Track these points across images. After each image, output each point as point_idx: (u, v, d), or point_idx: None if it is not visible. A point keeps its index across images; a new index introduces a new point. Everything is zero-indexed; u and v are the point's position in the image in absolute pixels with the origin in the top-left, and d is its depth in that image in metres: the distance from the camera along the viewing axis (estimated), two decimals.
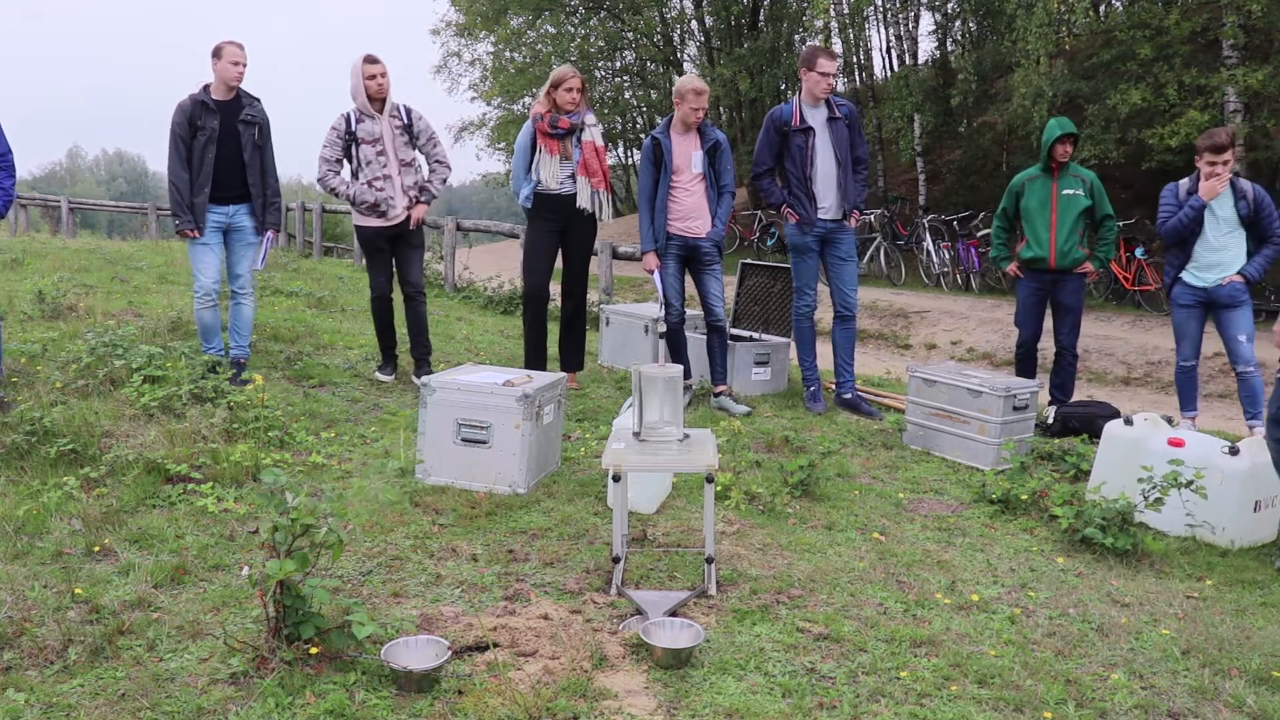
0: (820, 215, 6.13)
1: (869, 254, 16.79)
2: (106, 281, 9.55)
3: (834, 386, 6.71)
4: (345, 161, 6.22)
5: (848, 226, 6.15)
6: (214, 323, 6.03)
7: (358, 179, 6.18)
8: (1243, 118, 13.41)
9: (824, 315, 7.23)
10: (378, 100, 6.10)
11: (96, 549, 3.55)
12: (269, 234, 6.09)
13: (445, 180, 6.40)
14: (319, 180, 6.21)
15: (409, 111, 6.26)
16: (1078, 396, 7.62)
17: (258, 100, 5.98)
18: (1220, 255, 5.68)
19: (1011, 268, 6.50)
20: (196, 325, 6.10)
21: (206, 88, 5.82)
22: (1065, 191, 6.19)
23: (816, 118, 6.04)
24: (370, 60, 6.08)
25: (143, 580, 3.30)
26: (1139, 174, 15.03)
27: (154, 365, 5.57)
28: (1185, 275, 5.81)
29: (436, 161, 6.34)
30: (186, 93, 5.81)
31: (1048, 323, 6.44)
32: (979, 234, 15.31)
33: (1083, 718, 2.71)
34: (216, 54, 5.77)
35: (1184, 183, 5.82)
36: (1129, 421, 4.61)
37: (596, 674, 2.82)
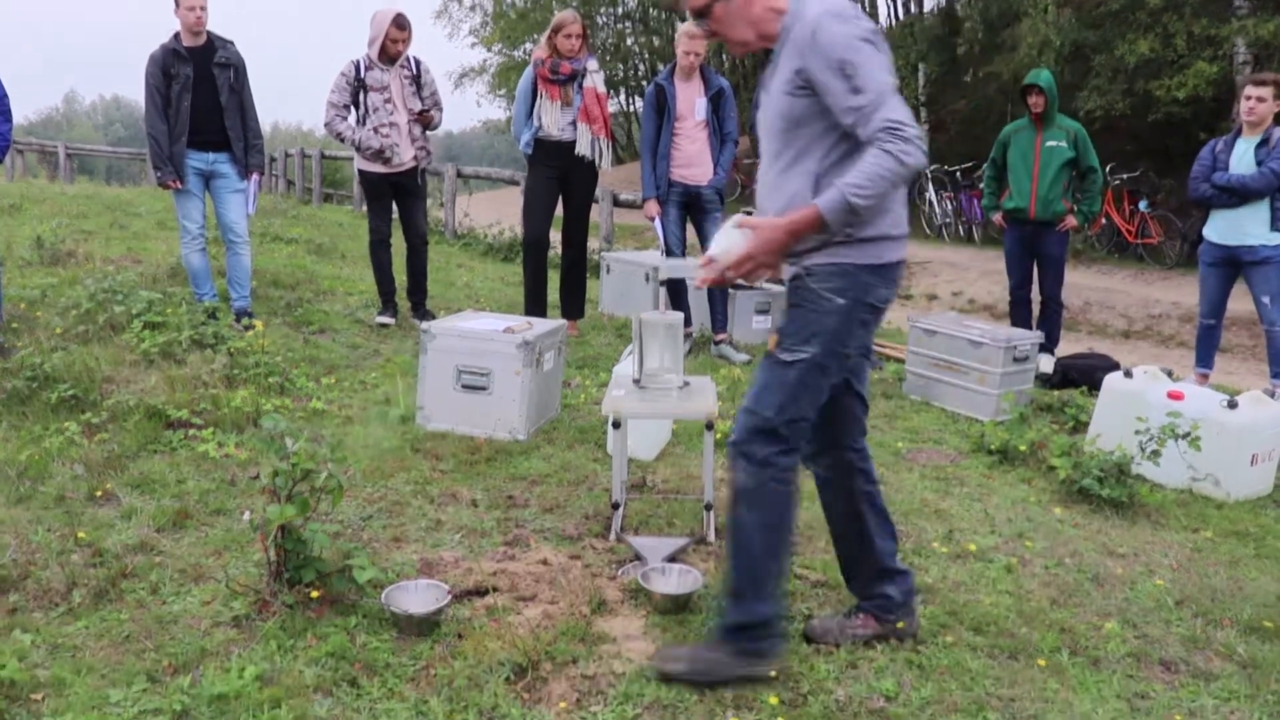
0: None
1: None
2: (105, 227, 9.49)
3: None
4: (352, 108, 6.17)
5: None
6: (204, 266, 6.00)
7: (364, 125, 6.13)
8: (1252, 69, 13.23)
9: None
10: (392, 58, 6.08)
11: (98, 493, 3.56)
12: (254, 177, 6.03)
13: (438, 122, 6.37)
14: (326, 125, 6.16)
15: (418, 63, 6.23)
16: (1078, 348, 7.62)
17: (231, 43, 5.88)
18: (1239, 214, 5.61)
19: (997, 217, 6.50)
20: (186, 270, 6.08)
21: (177, 35, 5.73)
22: (1048, 143, 6.14)
23: None
24: (399, 25, 6.02)
25: (145, 524, 3.31)
26: (1145, 126, 14.86)
27: (154, 311, 5.54)
28: (1207, 232, 5.80)
29: (434, 105, 6.32)
30: (159, 43, 5.74)
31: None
32: (981, 185, 15.19)
33: (1076, 665, 2.74)
34: (176, 1, 5.67)
35: (1221, 141, 5.75)
36: (1128, 374, 4.60)
37: (595, 619, 2.84)
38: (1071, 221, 6.22)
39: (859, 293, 2.41)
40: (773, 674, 2.53)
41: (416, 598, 2.81)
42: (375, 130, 6.09)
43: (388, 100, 6.10)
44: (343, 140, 6.15)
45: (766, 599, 2.49)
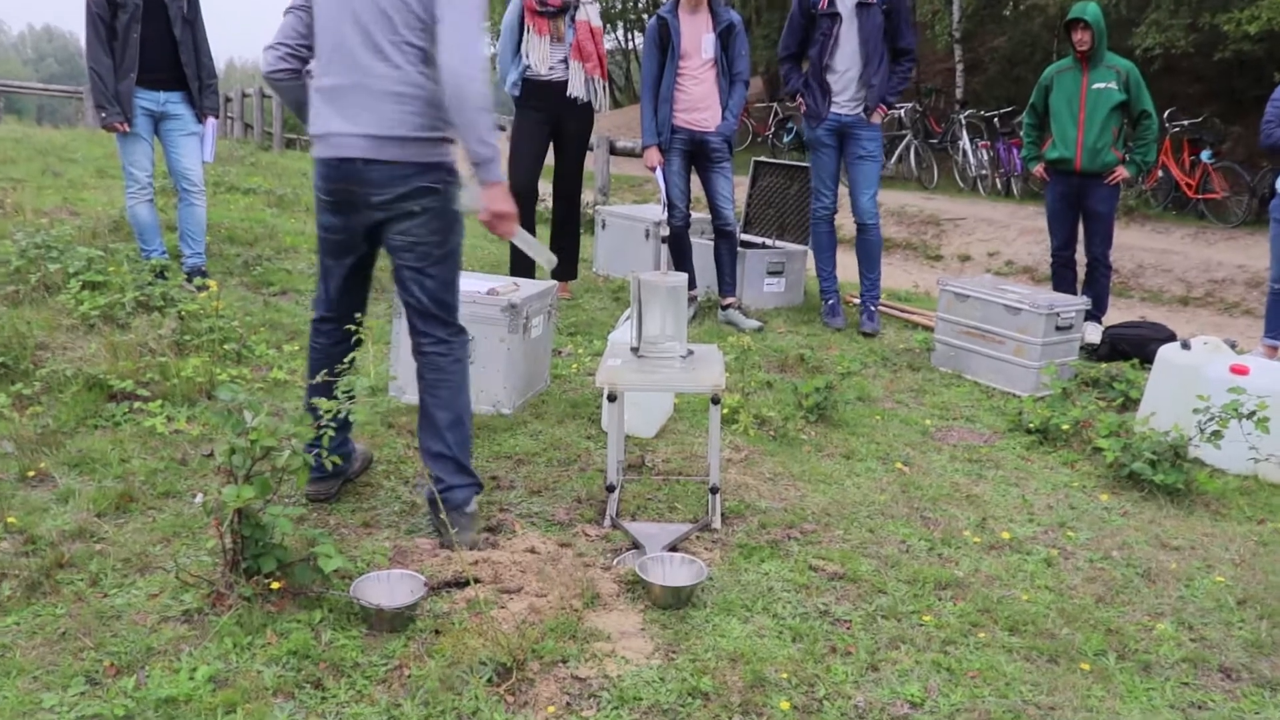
0: (834, 110, 6.04)
1: (897, 153, 16.60)
2: (37, 175, 9.43)
3: (854, 300, 6.69)
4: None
5: (868, 122, 6.05)
6: (151, 220, 5.96)
7: None
8: None
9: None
10: None
11: (31, 474, 3.54)
12: (211, 121, 5.97)
13: None
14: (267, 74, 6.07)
15: None
16: (1129, 316, 7.61)
17: None
18: None
19: (1038, 169, 6.47)
20: (132, 224, 6.04)
21: None
22: (1095, 85, 6.07)
23: (845, 2, 5.90)
24: None
25: (84, 508, 3.30)
26: (1210, 65, 14.75)
27: (94, 270, 5.51)
28: None
29: None
30: None
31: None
32: (1021, 133, 15.10)
33: (1124, 671, 2.74)
34: None
35: None
36: (1186, 345, 4.58)
37: (587, 613, 2.84)
38: (1123, 173, 6.18)
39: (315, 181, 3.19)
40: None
41: (389, 590, 2.80)
42: None
43: None
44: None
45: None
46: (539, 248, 3.33)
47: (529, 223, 6.28)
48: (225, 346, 4.83)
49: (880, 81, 5.97)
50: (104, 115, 5.67)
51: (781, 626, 2.84)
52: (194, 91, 5.85)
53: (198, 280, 5.84)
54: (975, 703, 2.55)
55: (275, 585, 2.77)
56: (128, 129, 5.69)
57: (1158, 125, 6.28)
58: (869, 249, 6.28)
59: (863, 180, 6.17)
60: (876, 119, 6.05)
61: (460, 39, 2.91)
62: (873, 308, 6.32)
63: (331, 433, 2.92)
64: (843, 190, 6.41)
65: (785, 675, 2.59)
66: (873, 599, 3.03)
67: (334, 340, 3.37)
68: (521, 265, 6.28)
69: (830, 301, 6.44)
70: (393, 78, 3.01)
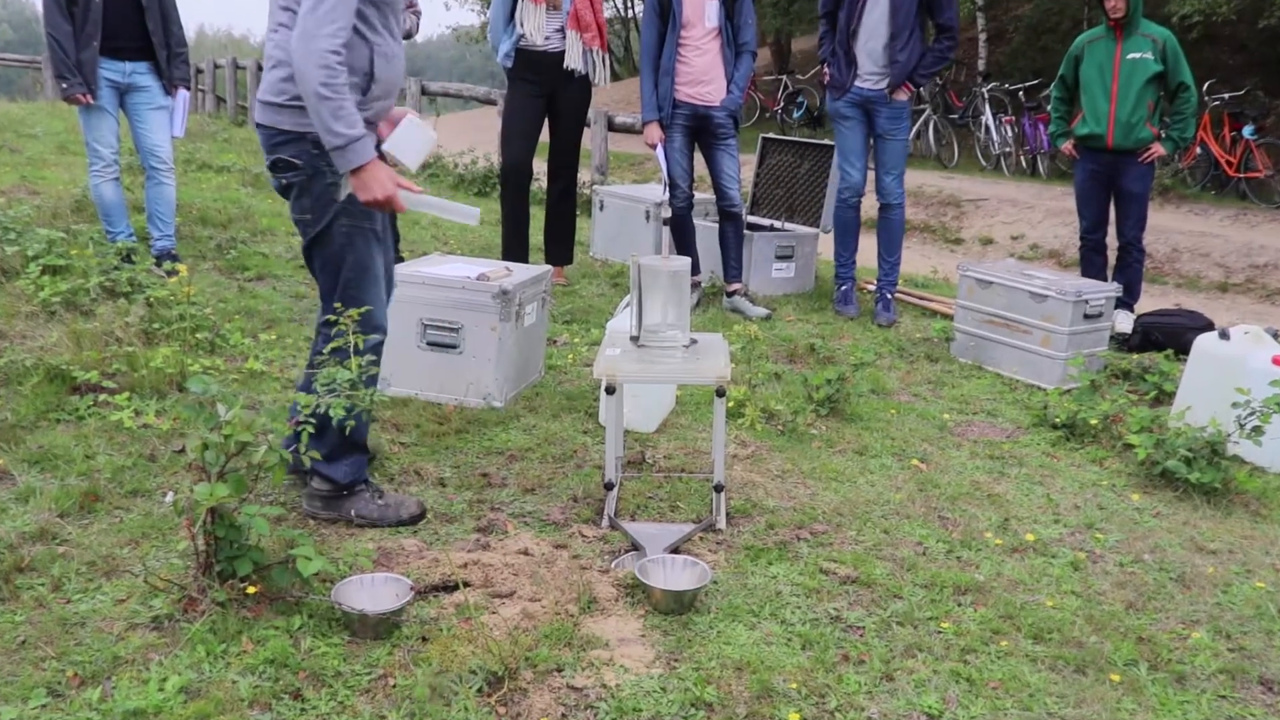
0: (859, 83, 6.05)
1: (915, 129, 16.57)
2: None
3: (868, 286, 6.69)
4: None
5: (892, 99, 6.04)
6: (117, 199, 5.96)
7: None
8: None
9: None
10: None
11: None
12: (181, 93, 5.97)
13: (414, 31, 6.29)
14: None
15: None
16: (1163, 304, 7.61)
17: None
18: None
19: (1067, 146, 6.45)
20: (96, 205, 6.03)
21: None
22: (1130, 55, 6.05)
23: None
24: None
25: (46, 508, 3.30)
26: (1254, 34, 14.70)
27: (55, 253, 5.51)
28: None
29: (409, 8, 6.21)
30: None
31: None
32: (1048, 108, 15.07)
33: (1157, 682, 2.75)
34: None
35: None
36: (1225, 335, 4.59)
37: (584, 619, 2.85)
38: (1158, 150, 6.16)
39: None
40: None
41: (373, 594, 2.81)
42: None
43: None
44: None
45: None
46: (453, 206, 3.30)
47: (522, 203, 6.29)
48: (197, 335, 4.83)
49: (908, 58, 5.95)
50: (65, 86, 5.67)
51: (790, 633, 2.85)
52: (162, 61, 5.84)
53: (167, 264, 5.84)
54: (997, 715, 2.55)
55: (251, 589, 2.78)
56: (91, 101, 5.68)
57: (1197, 98, 6.26)
58: (891, 231, 6.29)
59: (888, 160, 6.18)
60: (901, 97, 6.04)
61: (306, 22, 2.94)
62: (889, 295, 6.32)
63: (311, 428, 2.92)
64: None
65: (794, 685, 2.59)
66: (887, 604, 3.04)
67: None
68: (514, 249, 6.28)
69: (844, 288, 6.44)
70: (273, 42, 3.12)
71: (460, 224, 8.14)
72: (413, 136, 3.34)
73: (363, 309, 3.17)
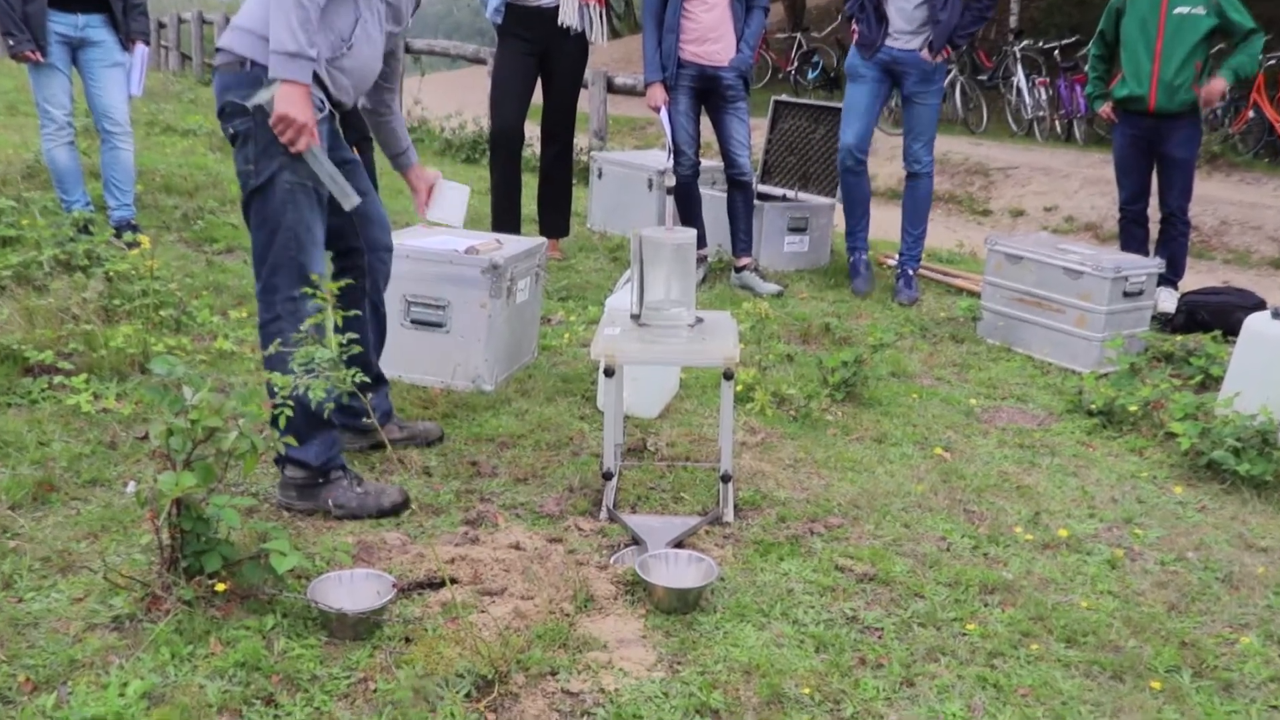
0: (889, 43, 6.02)
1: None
2: None
3: (889, 261, 6.68)
4: None
5: (923, 60, 6.01)
6: (72, 165, 5.95)
7: None
8: None
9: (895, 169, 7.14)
10: None
11: None
12: (140, 48, 5.94)
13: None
14: None
15: None
16: (1210, 281, 7.59)
17: None
18: None
19: (1105, 109, 6.42)
20: (50, 171, 6.02)
21: None
22: (1177, 9, 5.98)
23: None
24: None
25: None
26: None
27: (5, 223, 5.51)
28: None
29: None
30: None
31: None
32: (1086, 68, 15.00)
33: (1201, 691, 2.75)
34: None
35: None
36: (1277, 314, 4.57)
37: (580, 618, 2.85)
38: (1219, 86, 5.96)
39: None
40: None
41: (352, 592, 2.81)
42: None
43: None
44: None
45: None
46: (339, 180, 3.30)
47: (514, 171, 6.28)
48: (161, 313, 4.83)
49: (950, 17, 5.92)
50: (12, 43, 5.64)
51: (803, 635, 2.85)
52: (117, 13, 5.82)
53: (128, 235, 5.83)
54: None
55: (220, 587, 2.77)
56: (41, 59, 5.66)
57: (1263, 43, 6.11)
58: (917, 201, 6.27)
59: (916, 126, 6.15)
60: (934, 58, 6.01)
61: None
62: (912, 271, 6.31)
63: (289, 412, 2.92)
64: (878, 134, 6.39)
65: (807, 690, 2.60)
66: (908, 604, 3.04)
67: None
68: (505, 220, 6.27)
69: (851, 259, 6.43)
70: None
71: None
72: (450, 199, 3.93)
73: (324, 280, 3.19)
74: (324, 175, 3.24)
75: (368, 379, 3.49)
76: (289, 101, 3.08)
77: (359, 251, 3.61)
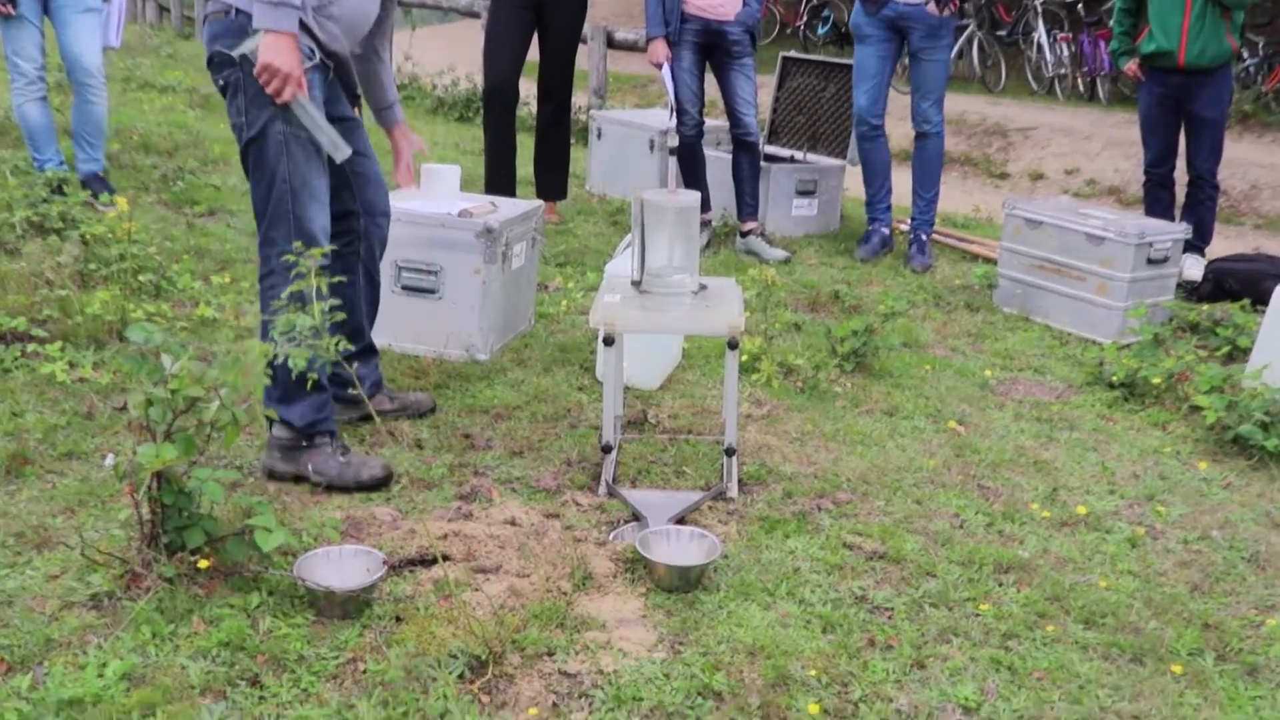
0: None
1: (957, 48, 16.44)
2: None
3: (900, 226, 6.66)
4: None
5: (930, 14, 5.98)
6: (44, 121, 5.92)
7: None
8: None
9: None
10: None
11: None
12: None
13: None
14: None
15: None
16: (1239, 247, 7.57)
17: None
18: None
19: (1131, 66, 6.39)
20: (20, 128, 5.99)
21: None
22: None
23: None
24: None
25: None
26: None
27: None
28: None
29: None
30: None
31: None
32: (1111, 22, 14.91)
33: (1225, 675, 2.76)
34: None
35: None
36: None
37: (578, 597, 2.86)
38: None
39: None
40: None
41: (340, 569, 2.81)
42: None
43: None
44: None
45: None
46: (328, 129, 3.30)
47: (508, 130, 6.26)
48: (140, 278, 4.82)
49: None
50: None
51: (810, 615, 2.86)
52: None
53: (104, 197, 5.81)
54: (1042, 708, 2.56)
55: (203, 564, 2.78)
56: (11, 10, 5.64)
57: None
58: (927, 162, 6.25)
59: (924, 83, 6.13)
60: (945, 12, 5.98)
61: None
62: (924, 237, 6.30)
63: (267, 381, 2.91)
64: (894, 95, 6.37)
65: (814, 673, 2.60)
66: (919, 583, 3.05)
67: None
68: (500, 181, 6.25)
69: (870, 226, 6.41)
70: None
71: (438, 152, 8.11)
72: (441, 183, 4.40)
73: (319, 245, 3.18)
74: (310, 125, 3.23)
75: (352, 347, 3.52)
76: (273, 50, 3.09)
77: (354, 215, 3.62)
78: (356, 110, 3.70)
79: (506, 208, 4.60)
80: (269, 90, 3.13)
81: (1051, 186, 11.42)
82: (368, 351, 3.78)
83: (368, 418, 3.77)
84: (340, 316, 2.97)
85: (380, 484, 3.38)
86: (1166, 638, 2.87)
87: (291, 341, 2.76)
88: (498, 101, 6.23)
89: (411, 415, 3.86)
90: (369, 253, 3.70)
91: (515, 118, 6.32)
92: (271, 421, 3.34)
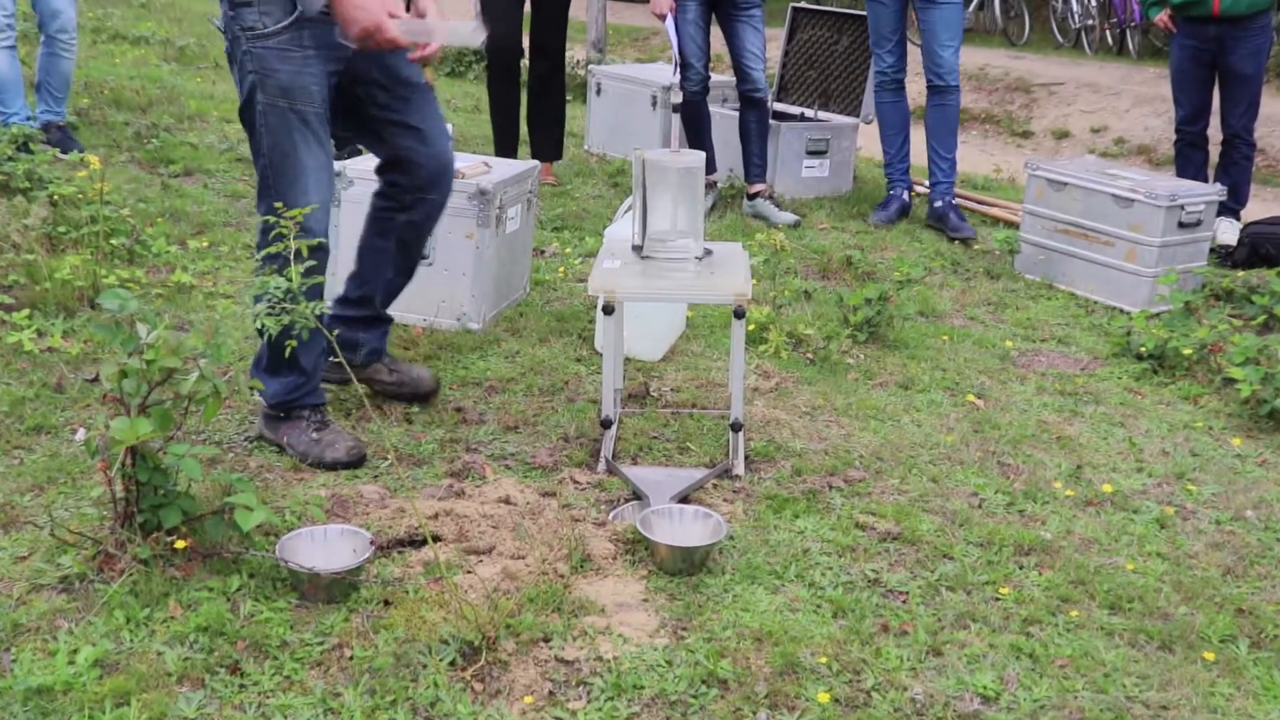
0: None
1: None
2: None
3: (919, 187, 6.64)
4: None
5: None
6: (11, 73, 5.90)
7: None
8: None
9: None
10: None
11: None
12: None
13: None
14: None
15: None
16: (1277, 211, 7.55)
17: None
18: None
19: (1163, 17, 6.35)
20: None
21: None
22: None
23: None
24: None
25: None
26: None
27: None
28: None
29: None
30: None
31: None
32: None
33: (1260, 663, 2.76)
34: None
35: None
36: None
37: (576, 580, 2.86)
38: None
39: None
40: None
41: (326, 550, 2.81)
42: None
43: None
44: None
45: None
46: (452, 28, 3.31)
47: (512, 86, 6.23)
48: (112, 241, 4.81)
49: None
50: None
51: (820, 599, 2.86)
52: None
53: (74, 155, 5.79)
54: (1065, 698, 2.57)
55: (180, 544, 2.78)
56: None
57: None
58: (945, 118, 6.21)
59: (941, 30, 6.07)
60: None
61: None
62: (951, 200, 6.26)
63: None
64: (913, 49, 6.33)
65: (824, 660, 2.61)
66: (935, 566, 3.05)
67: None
68: (507, 143, 6.24)
69: (892, 190, 6.39)
70: None
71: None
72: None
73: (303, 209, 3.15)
74: (427, 38, 3.25)
75: (329, 310, 3.48)
76: (348, 9, 3.04)
77: (408, 169, 3.52)
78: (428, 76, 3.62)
79: (500, 168, 4.59)
80: (377, 46, 3.10)
81: (1077, 146, 11.40)
82: (373, 320, 3.72)
83: (347, 382, 3.72)
84: (319, 279, 2.96)
85: (344, 466, 3.37)
86: (1197, 624, 2.86)
87: (272, 313, 2.74)
88: (498, 57, 6.23)
89: (407, 396, 3.81)
90: (410, 227, 3.62)
91: (518, 74, 6.32)
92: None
